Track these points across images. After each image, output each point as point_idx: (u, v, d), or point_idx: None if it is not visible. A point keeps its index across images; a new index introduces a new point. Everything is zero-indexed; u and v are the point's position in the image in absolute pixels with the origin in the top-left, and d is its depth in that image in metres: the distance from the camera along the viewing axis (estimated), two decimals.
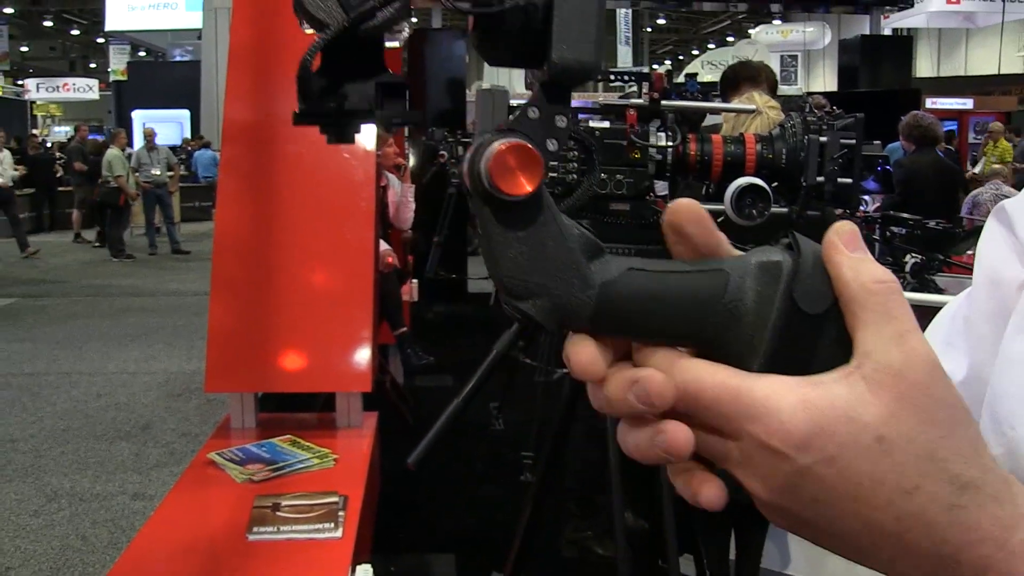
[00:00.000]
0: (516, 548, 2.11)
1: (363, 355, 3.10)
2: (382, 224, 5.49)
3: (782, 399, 0.45)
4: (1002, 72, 23.76)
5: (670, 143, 1.66)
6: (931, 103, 14.66)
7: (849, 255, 0.47)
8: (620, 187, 1.65)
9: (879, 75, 12.72)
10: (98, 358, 7.68)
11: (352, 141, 0.52)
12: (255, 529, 2.36)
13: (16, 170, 15.25)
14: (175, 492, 2.69)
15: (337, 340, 3.12)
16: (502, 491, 4.57)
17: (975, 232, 4.65)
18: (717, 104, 2.69)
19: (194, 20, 23.81)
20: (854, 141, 1.63)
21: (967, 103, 17.23)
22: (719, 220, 2.07)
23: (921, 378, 0.45)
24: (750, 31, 29.40)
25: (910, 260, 3.82)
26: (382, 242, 5.11)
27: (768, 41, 26.08)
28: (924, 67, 26.67)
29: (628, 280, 0.48)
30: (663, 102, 1.65)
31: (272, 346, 3.07)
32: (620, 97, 1.76)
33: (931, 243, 3.87)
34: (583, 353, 0.48)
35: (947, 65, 27.32)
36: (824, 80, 26.86)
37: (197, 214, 18.16)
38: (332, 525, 2.40)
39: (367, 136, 3.10)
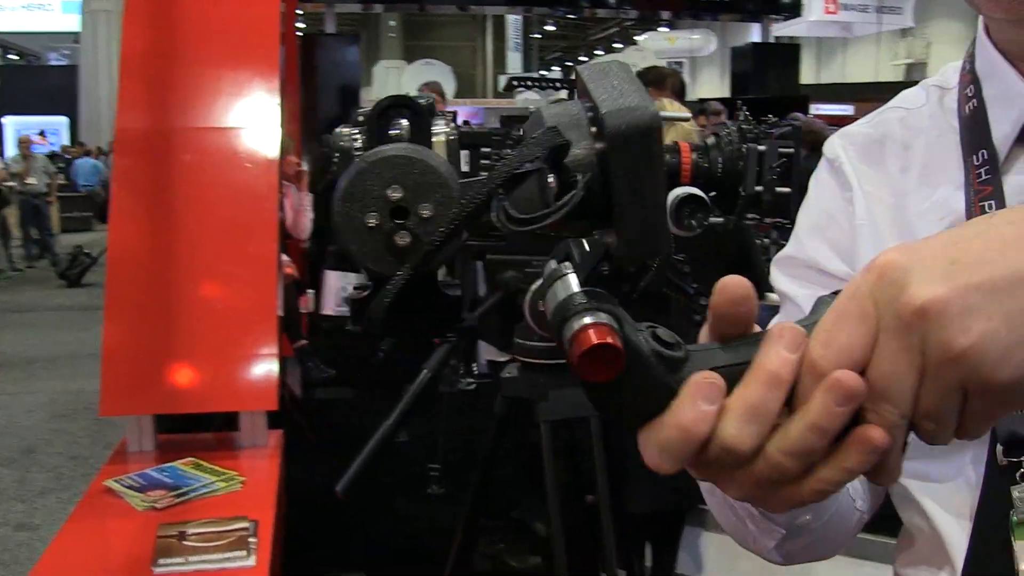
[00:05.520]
0: (449, 570, 2.04)
1: (268, 371, 3.00)
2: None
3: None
4: (879, 80, 24.67)
5: None
6: (815, 109, 15.13)
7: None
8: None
9: (768, 82, 13.00)
10: None
11: None
12: (161, 561, 2.24)
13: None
14: (71, 523, 2.53)
15: (240, 357, 3.01)
16: (410, 504, 4.48)
17: None
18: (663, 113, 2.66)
19: (71, 23, 22.98)
20: (792, 150, 1.61)
21: (848, 109, 17.90)
22: None
23: None
24: (637, 38, 29.83)
25: None
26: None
27: (655, 48, 26.50)
28: (807, 75, 27.57)
29: None
30: None
31: (172, 365, 2.94)
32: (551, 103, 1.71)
33: None
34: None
35: (827, 73, 28.20)
36: (710, 87, 27.46)
37: (77, 224, 17.49)
38: (244, 553, 2.29)
39: (270, 144, 2.99)
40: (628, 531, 3.16)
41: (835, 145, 0.97)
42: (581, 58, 37.08)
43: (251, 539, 2.37)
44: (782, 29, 20.97)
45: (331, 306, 5.63)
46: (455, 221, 0.51)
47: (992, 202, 0.83)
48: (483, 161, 1.57)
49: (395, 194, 0.42)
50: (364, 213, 0.42)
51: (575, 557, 3.40)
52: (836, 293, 0.53)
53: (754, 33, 15.14)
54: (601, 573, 2.06)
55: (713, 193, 1.60)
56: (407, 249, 0.42)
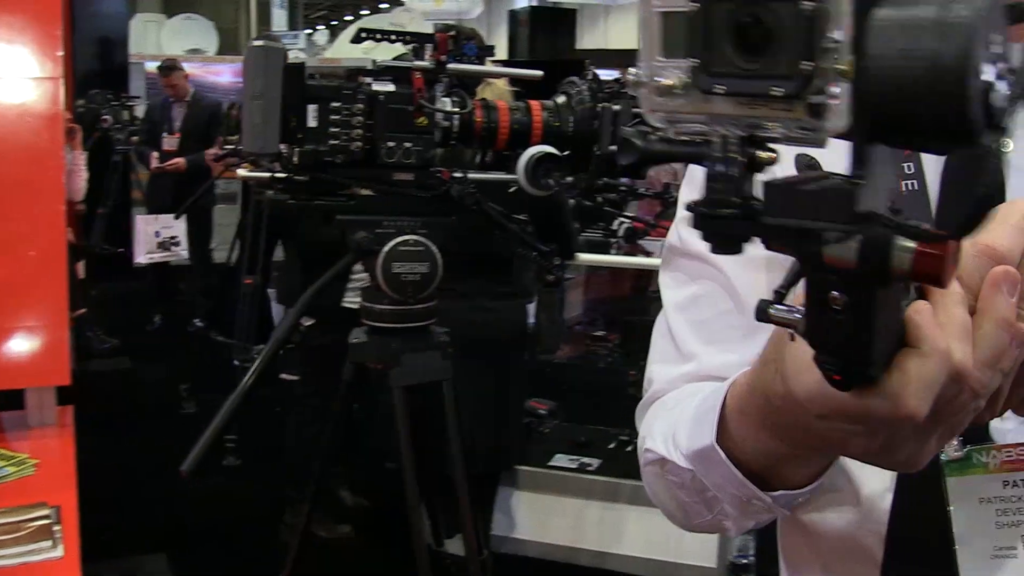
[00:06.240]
0: (295, 549, 1.96)
1: (58, 344, 2.78)
2: None
3: None
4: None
5: (458, 109, 1.56)
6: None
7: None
8: (409, 155, 1.52)
9: (542, 46, 13.29)
10: None
11: None
12: None
13: None
14: None
15: (26, 328, 2.77)
16: (205, 478, 4.30)
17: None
18: (503, 69, 2.63)
19: None
20: None
21: (614, 74, 18.58)
22: (511, 190, 2.00)
23: None
24: None
25: (622, 225, 4.05)
26: None
27: (422, 9, 26.29)
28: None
29: None
30: (450, 65, 1.55)
31: None
32: (395, 59, 1.66)
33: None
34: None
35: (589, 39, 28.93)
36: None
37: None
38: (49, 543, 2.11)
39: (52, 97, 2.76)
40: (440, 489, 3.16)
41: None
42: (347, 17, 36.40)
43: (55, 527, 2.19)
44: None
45: (143, 254, 5.18)
46: None
47: (911, 164, 0.84)
48: (332, 116, 1.49)
49: (995, 49, 0.35)
50: (978, 66, 0.35)
51: (386, 523, 3.37)
52: None
53: None
54: (444, 539, 2.03)
55: (567, 152, 1.58)
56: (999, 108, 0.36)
